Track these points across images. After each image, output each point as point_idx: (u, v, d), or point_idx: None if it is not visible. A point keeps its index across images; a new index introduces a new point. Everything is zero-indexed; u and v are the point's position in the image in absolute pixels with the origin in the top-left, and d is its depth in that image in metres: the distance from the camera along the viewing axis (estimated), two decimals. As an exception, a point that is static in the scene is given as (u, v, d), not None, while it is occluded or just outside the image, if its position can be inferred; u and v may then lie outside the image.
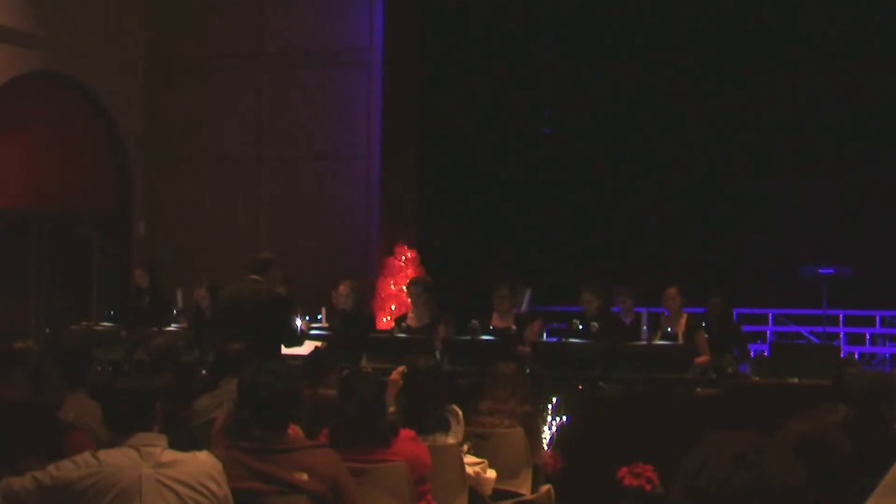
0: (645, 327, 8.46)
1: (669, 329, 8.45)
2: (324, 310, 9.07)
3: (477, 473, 5.20)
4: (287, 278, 8.96)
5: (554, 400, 7.43)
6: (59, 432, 4.38)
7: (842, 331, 12.44)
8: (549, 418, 7.31)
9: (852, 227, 12.63)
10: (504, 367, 6.10)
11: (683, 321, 8.57)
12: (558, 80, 13.81)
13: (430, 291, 8.95)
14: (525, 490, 5.76)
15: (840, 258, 11.66)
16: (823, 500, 3.01)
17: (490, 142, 13.37)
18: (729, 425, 2.13)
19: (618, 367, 7.81)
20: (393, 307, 11.46)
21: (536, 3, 13.42)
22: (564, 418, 7.43)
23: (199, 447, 3.83)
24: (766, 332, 12.53)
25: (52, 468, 3.49)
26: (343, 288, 9.31)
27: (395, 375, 5.31)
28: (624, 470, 7.45)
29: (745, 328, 10.69)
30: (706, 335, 8.54)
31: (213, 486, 3.53)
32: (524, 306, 9.59)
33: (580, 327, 8.50)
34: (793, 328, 12.62)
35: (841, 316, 12.46)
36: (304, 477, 3.79)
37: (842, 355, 9.46)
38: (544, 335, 9.05)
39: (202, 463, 3.57)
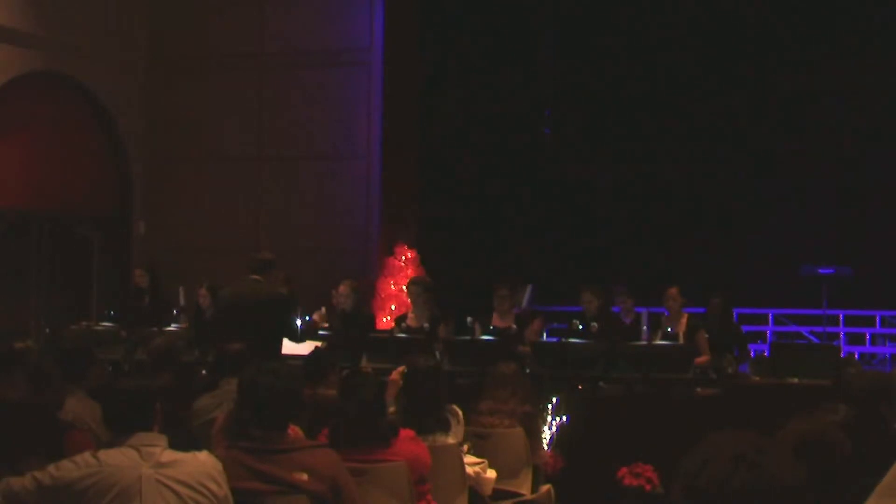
0: (645, 327, 8.46)
1: (669, 329, 8.45)
2: (324, 309, 9.07)
3: (477, 473, 5.19)
4: (289, 279, 8.96)
5: (554, 400, 7.44)
6: (59, 432, 4.38)
7: (842, 331, 12.44)
8: (549, 418, 7.32)
9: (852, 227, 12.64)
10: (504, 367, 6.10)
11: (684, 321, 8.57)
12: (558, 80, 13.81)
13: (430, 291, 8.95)
14: (525, 490, 5.76)
15: (840, 258, 11.66)
16: (823, 500, 3.01)
17: (490, 142, 13.37)
18: (729, 425, 2.13)
19: (618, 367, 7.81)
20: (393, 307, 11.46)
21: (536, 3, 13.42)
22: (564, 418, 7.44)
23: (199, 447, 3.83)
24: (766, 332, 12.54)
25: (52, 468, 3.49)
26: (343, 288, 9.31)
27: (395, 375, 5.32)
28: (624, 470, 7.45)
29: (745, 328, 10.69)
30: (706, 335, 8.55)
31: (213, 486, 3.53)
32: (525, 302, 9.59)
33: (580, 327, 8.50)
34: (793, 328, 12.62)
35: (841, 316, 12.46)
36: (304, 477, 3.79)
37: (842, 355, 9.46)
38: (544, 335, 9.05)
39: (202, 463, 3.57)
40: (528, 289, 9.77)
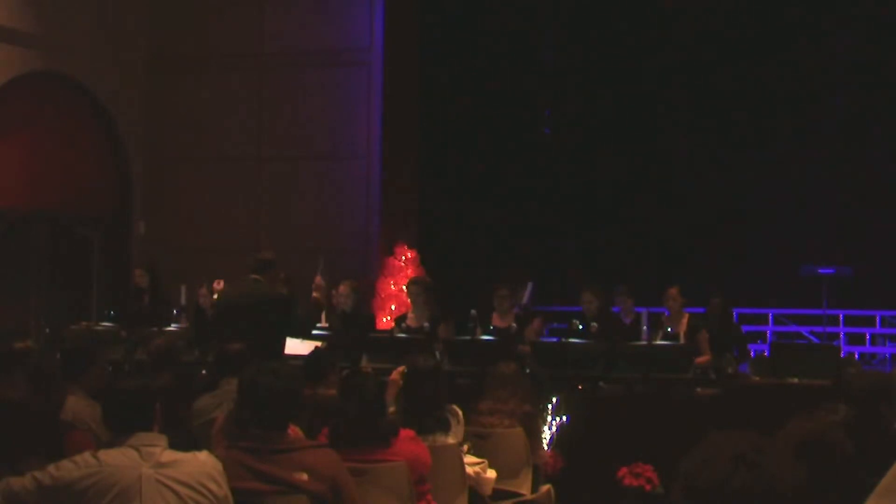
0: (645, 327, 8.45)
1: (670, 329, 8.45)
2: (319, 278, 9.03)
3: (477, 473, 5.19)
4: (289, 279, 8.95)
5: (554, 400, 7.43)
6: (59, 432, 4.38)
7: (842, 331, 12.44)
8: (549, 418, 7.31)
9: (852, 227, 12.63)
10: (504, 367, 6.09)
11: (685, 321, 8.57)
12: (558, 80, 13.81)
13: (430, 291, 8.95)
14: (525, 490, 5.76)
15: (840, 258, 11.66)
16: (823, 500, 3.01)
17: (490, 142, 13.37)
18: (729, 425, 2.14)
19: (618, 367, 7.81)
20: (393, 307, 11.46)
21: (536, 2, 13.42)
22: (564, 418, 7.43)
23: (199, 447, 3.83)
24: (766, 332, 12.54)
25: (52, 468, 3.49)
26: (343, 288, 9.31)
27: (395, 375, 5.32)
28: (624, 470, 7.45)
29: (745, 328, 10.70)
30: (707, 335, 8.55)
31: (213, 486, 3.53)
32: (526, 299, 9.59)
33: (580, 327, 8.50)
34: (793, 328, 12.62)
35: (841, 316, 12.46)
36: (304, 477, 3.79)
37: (842, 355, 9.46)
38: (545, 332, 9.05)
39: (202, 463, 3.57)
40: (529, 286, 9.76)
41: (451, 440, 5.07)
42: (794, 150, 12.92)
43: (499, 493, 5.46)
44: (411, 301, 9.13)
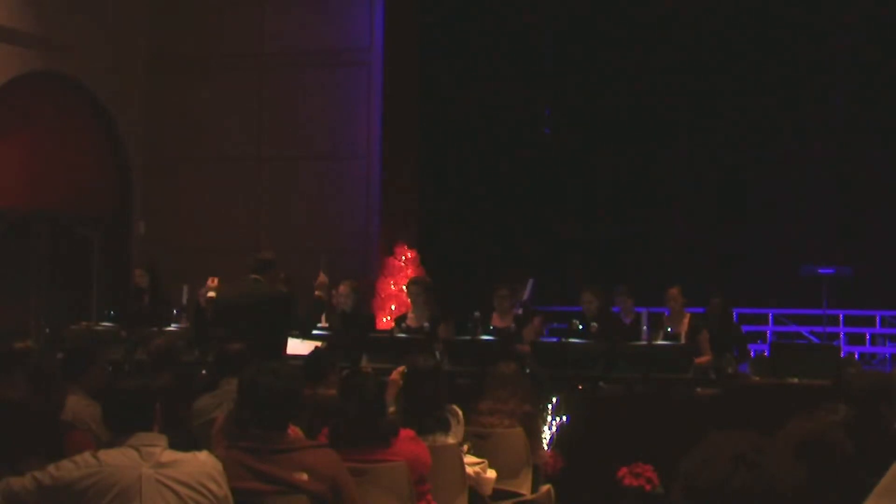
0: (645, 327, 8.45)
1: (670, 329, 8.45)
2: (322, 276, 9.03)
3: (477, 473, 5.19)
4: (289, 279, 8.95)
5: (554, 400, 7.43)
6: (59, 432, 4.38)
7: (842, 331, 12.44)
8: (549, 418, 7.31)
9: (852, 227, 12.64)
10: (504, 367, 6.09)
11: (686, 321, 8.57)
12: (558, 80, 13.81)
13: (430, 291, 8.95)
14: (525, 490, 5.76)
15: (840, 258, 11.67)
16: (823, 501, 3.01)
17: (490, 141, 13.37)
18: (729, 425, 2.14)
19: (618, 367, 7.81)
20: (393, 307, 11.46)
21: (536, 3, 13.42)
22: (564, 418, 7.43)
23: (199, 447, 3.83)
24: (766, 332, 12.54)
25: (52, 468, 3.49)
26: (343, 288, 9.31)
27: (395, 375, 5.32)
28: (624, 470, 7.45)
29: (745, 328, 10.70)
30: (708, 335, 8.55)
31: (213, 486, 3.53)
32: (527, 295, 9.59)
33: (580, 327, 8.50)
34: (793, 328, 12.62)
35: (841, 316, 12.46)
36: (304, 477, 3.79)
37: (842, 355, 9.46)
38: (545, 332, 9.05)
39: (202, 463, 3.57)
40: (530, 282, 9.76)
41: (451, 440, 5.07)
42: (794, 150, 12.92)
43: (499, 493, 5.46)
44: (411, 301, 9.13)
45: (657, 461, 7.36)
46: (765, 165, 13.09)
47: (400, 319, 9.03)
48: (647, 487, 7.36)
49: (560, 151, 13.65)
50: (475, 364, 7.56)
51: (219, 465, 3.61)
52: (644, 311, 8.68)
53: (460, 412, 5.38)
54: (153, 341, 6.52)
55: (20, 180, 11.54)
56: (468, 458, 5.20)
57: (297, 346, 7.50)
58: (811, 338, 12.19)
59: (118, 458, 3.49)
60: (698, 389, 7.75)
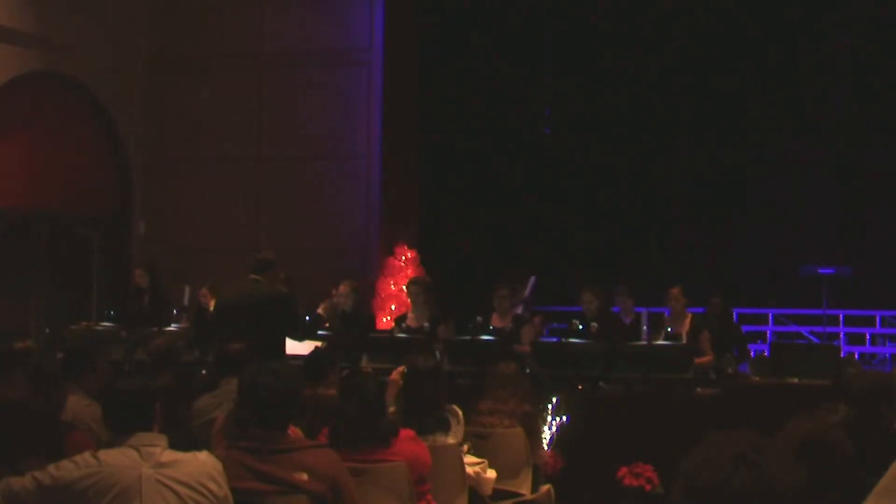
0: (645, 327, 8.45)
1: (670, 329, 8.45)
2: (328, 302, 9.06)
3: (477, 473, 5.19)
4: (289, 279, 8.96)
5: (554, 400, 7.43)
6: (59, 432, 4.38)
7: (842, 331, 12.44)
8: (549, 418, 7.31)
9: (852, 227, 12.64)
10: (504, 367, 6.09)
11: (688, 321, 8.56)
12: (558, 80, 13.81)
13: (430, 291, 8.95)
14: (525, 490, 5.76)
15: (840, 258, 11.67)
16: (823, 500, 3.01)
17: (490, 141, 13.37)
18: (729, 425, 2.13)
19: (618, 367, 7.80)
20: (393, 307, 11.46)
21: (536, 3, 13.42)
22: (564, 418, 7.43)
23: (199, 447, 3.83)
24: (766, 332, 12.54)
25: (52, 468, 3.49)
26: (343, 288, 9.31)
27: (395, 375, 5.32)
28: (624, 470, 7.45)
29: (745, 328, 10.71)
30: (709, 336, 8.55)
31: (213, 486, 3.53)
32: (528, 293, 9.59)
33: (580, 327, 8.50)
34: (793, 328, 12.62)
35: (841, 316, 12.47)
36: (304, 477, 3.78)
37: (842, 355, 9.46)
38: (545, 332, 9.04)
39: (202, 463, 3.57)
40: (532, 280, 9.77)
41: (451, 440, 5.07)
42: (794, 149, 12.92)
43: (499, 493, 5.46)
44: (411, 301, 9.13)
45: (657, 461, 7.36)
46: (765, 165, 13.09)
47: (400, 319, 9.03)
48: (647, 487, 7.36)
49: (560, 151, 13.65)
50: (475, 364, 7.56)
51: (219, 465, 3.61)
52: (644, 311, 8.69)
53: (460, 412, 5.38)
54: (153, 341, 6.52)
55: (20, 180, 11.54)
56: (468, 458, 5.20)
57: (297, 346, 7.50)
58: (811, 338, 12.19)
59: (118, 458, 3.49)
60: (698, 389, 7.75)
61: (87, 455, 3.51)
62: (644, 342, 8.18)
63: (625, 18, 13.11)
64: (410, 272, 11.52)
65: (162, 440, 3.58)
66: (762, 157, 13.04)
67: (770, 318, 12.77)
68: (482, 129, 13.30)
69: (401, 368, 5.27)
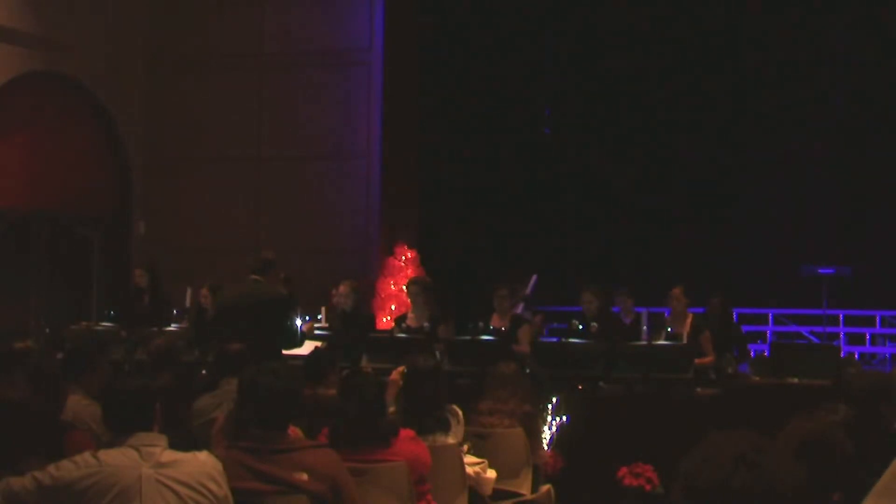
0: (645, 327, 8.45)
1: (671, 329, 8.45)
2: (324, 310, 9.07)
3: (477, 473, 5.19)
4: (289, 279, 8.96)
5: (554, 400, 7.43)
6: (59, 432, 4.38)
7: (842, 331, 12.44)
8: (549, 418, 7.31)
9: (852, 227, 12.64)
10: (504, 367, 6.09)
11: (689, 321, 8.56)
12: (558, 80, 13.81)
13: (430, 291, 8.95)
14: (525, 490, 5.76)
15: (840, 258, 11.67)
16: (823, 501, 3.01)
17: (490, 141, 13.37)
18: (729, 425, 2.13)
19: (618, 367, 7.80)
20: (393, 307, 11.46)
21: (536, 3, 13.42)
22: (564, 418, 7.43)
23: (199, 447, 3.82)
24: (766, 332, 12.54)
25: (52, 468, 3.49)
26: (343, 288, 9.31)
27: (395, 375, 5.31)
28: (624, 470, 7.45)
29: (745, 328, 10.70)
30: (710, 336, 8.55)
31: (213, 486, 3.53)
32: (529, 290, 9.59)
33: (580, 327, 8.50)
34: (793, 328, 12.62)
35: (841, 316, 12.47)
36: (304, 477, 3.78)
37: (842, 355, 9.46)
38: (545, 332, 9.04)
39: (202, 463, 3.57)
40: (533, 278, 9.78)
41: (451, 440, 5.07)
42: (794, 150, 12.92)
43: (499, 493, 5.45)
44: (411, 301, 9.13)
45: (657, 461, 7.36)
46: (765, 165, 13.08)
47: (400, 319, 9.03)
48: (647, 487, 7.36)
49: (560, 151, 13.66)
50: (475, 364, 7.55)
51: (219, 465, 3.61)
52: (644, 311, 8.68)
53: (460, 412, 5.38)
54: (153, 341, 6.52)
55: (20, 180, 11.54)
56: (468, 458, 5.20)
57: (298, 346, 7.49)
58: (811, 338, 12.19)
59: (118, 458, 3.49)
60: (698, 389, 7.74)
61: (87, 455, 3.51)
62: (644, 342, 8.18)
63: (625, 18, 13.10)
64: (410, 272, 11.52)
65: (162, 440, 3.58)
66: (762, 157, 13.04)
67: (770, 318, 12.76)
68: (482, 128, 13.30)
69: (401, 368, 5.27)
